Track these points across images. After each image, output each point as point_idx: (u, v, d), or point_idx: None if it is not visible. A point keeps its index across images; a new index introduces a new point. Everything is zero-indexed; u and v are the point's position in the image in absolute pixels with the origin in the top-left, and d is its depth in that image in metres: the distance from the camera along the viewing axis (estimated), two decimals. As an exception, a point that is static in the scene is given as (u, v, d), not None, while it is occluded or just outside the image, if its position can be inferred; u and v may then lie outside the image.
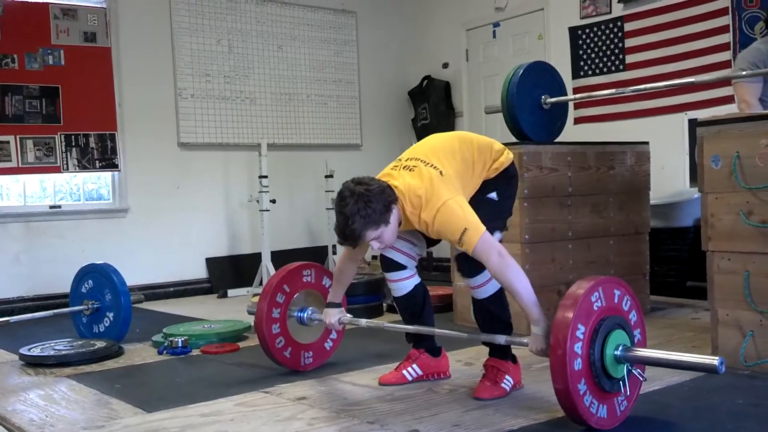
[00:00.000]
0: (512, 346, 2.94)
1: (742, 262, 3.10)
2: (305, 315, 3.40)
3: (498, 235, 2.91)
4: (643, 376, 2.49)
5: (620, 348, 2.44)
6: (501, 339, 2.84)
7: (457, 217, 2.67)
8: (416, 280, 3.08)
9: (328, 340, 3.56)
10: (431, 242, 3.05)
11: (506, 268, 2.65)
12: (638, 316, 2.61)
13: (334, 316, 3.21)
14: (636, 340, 2.55)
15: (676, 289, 5.10)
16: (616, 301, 2.52)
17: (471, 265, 2.81)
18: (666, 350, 2.43)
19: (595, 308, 2.43)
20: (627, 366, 2.44)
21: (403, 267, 3.04)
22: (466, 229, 2.65)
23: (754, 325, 3.07)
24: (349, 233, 2.70)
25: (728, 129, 3.16)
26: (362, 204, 2.67)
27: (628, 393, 2.49)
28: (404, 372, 3.13)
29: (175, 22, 6.47)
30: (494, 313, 2.95)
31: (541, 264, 4.15)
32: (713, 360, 2.31)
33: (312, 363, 3.48)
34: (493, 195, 2.96)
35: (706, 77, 5.00)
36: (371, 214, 2.68)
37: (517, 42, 6.78)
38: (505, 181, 3.01)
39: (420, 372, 3.13)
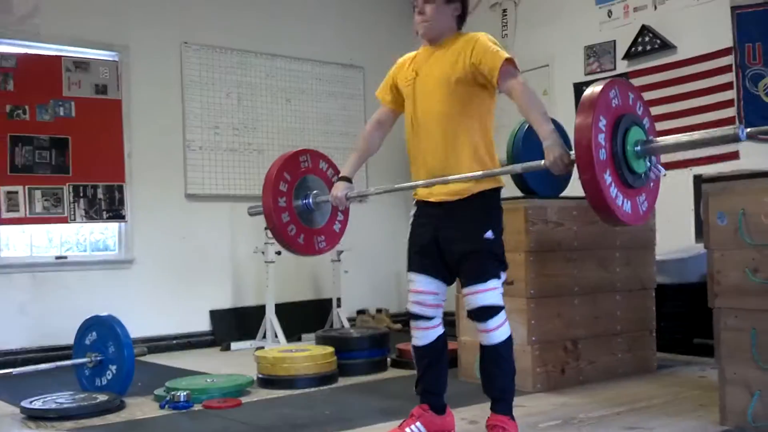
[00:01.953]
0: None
1: (749, 319, 3.07)
2: (310, 199, 3.39)
3: (503, 275, 2.97)
4: (663, 171, 2.62)
5: (639, 143, 2.51)
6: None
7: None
8: (441, 330, 3.10)
9: (336, 222, 3.50)
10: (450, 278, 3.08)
11: (530, 90, 2.90)
12: (651, 123, 2.67)
13: (342, 190, 3.20)
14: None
15: (683, 346, 5.04)
16: (630, 102, 2.59)
17: (488, 313, 2.89)
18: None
19: (613, 105, 2.49)
20: (648, 161, 2.54)
21: (431, 317, 3.06)
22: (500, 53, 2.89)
23: (762, 385, 3.03)
24: None
25: (733, 186, 3.17)
26: None
27: (651, 188, 2.60)
28: (407, 430, 3.08)
29: (186, 76, 6.57)
30: (504, 361, 2.96)
31: (547, 319, 4.12)
32: (732, 129, 2.38)
33: (326, 247, 3.45)
34: (489, 234, 2.95)
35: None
36: None
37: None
38: (496, 212, 3.01)
39: (424, 431, 3.08)
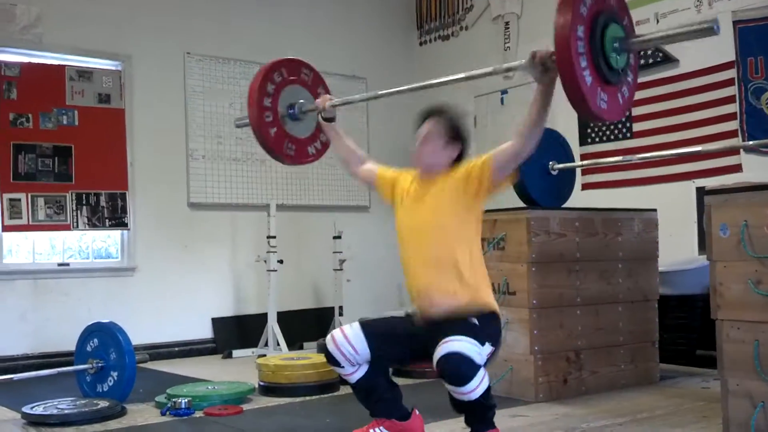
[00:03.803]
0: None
1: (751, 331, 3.07)
2: (296, 109, 3.47)
3: (489, 347, 2.84)
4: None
5: (618, 39, 2.53)
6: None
7: None
8: (362, 371, 3.04)
9: (318, 140, 3.60)
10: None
11: (523, 129, 2.86)
12: (629, 22, 2.70)
13: (327, 100, 3.38)
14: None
15: (686, 357, 5.04)
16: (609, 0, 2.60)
17: (461, 370, 2.67)
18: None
19: (591, 1, 2.49)
20: (626, 57, 2.58)
21: (341, 366, 3.02)
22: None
23: (765, 396, 3.03)
24: (435, 110, 3.18)
25: (736, 198, 3.18)
26: (460, 120, 3.18)
27: (629, 84, 2.64)
28: (371, 431, 3.10)
29: (189, 85, 6.59)
30: (487, 407, 2.84)
31: (549, 330, 4.12)
32: (710, 24, 2.37)
33: (316, 154, 3.61)
34: (474, 321, 2.86)
35: (713, 146, 5.06)
36: (455, 126, 3.12)
37: (524, 109, 6.79)
38: (489, 325, 2.93)
39: None
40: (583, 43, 2.43)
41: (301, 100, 3.49)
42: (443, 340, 2.71)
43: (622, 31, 2.58)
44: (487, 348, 2.83)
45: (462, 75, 3.10)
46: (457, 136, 3.09)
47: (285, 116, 3.47)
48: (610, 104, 2.55)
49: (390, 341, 3.05)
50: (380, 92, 3.43)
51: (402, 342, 3.06)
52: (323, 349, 3.09)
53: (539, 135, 2.86)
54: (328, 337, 3.06)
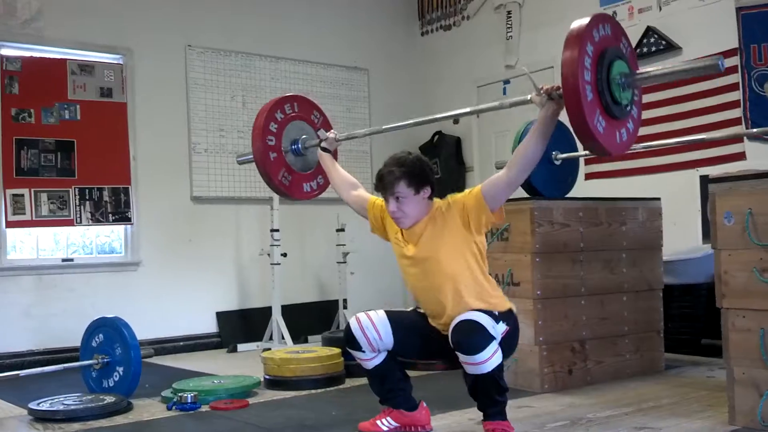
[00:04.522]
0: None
1: (757, 319, 3.07)
2: (299, 144, 3.61)
3: (503, 325, 2.92)
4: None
5: (623, 75, 2.59)
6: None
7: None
8: (380, 358, 3.09)
9: (319, 177, 3.75)
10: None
11: (519, 159, 2.84)
12: (633, 57, 2.73)
13: (330, 133, 3.52)
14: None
15: (691, 346, 5.04)
16: (614, 37, 2.65)
17: (474, 338, 2.77)
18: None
19: (598, 38, 2.54)
20: (631, 92, 2.63)
21: (362, 350, 3.07)
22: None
23: (771, 385, 3.02)
24: (387, 174, 3.02)
25: (740, 186, 3.16)
26: (415, 161, 3.05)
27: (634, 119, 2.70)
28: (378, 422, 3.16)
29: (191, 79, 6.58)
30: (499, 385, 2.89)
31: (554, 320, 4.12)
32: (714, 61, 2.45)
33: (316, 191, 3.78)
34: (495, 313, 2.94)
35: (717, 134, 5.03)
36: (415, 172, 3.01)
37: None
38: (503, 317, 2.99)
39: (394, 424, 3.15)
40: (589, 76, 2.47)
41: (305, 136, 3.63)
42: (459, 318, 2.84)
43: (627, 68, 2.63)
44: (502, 326, 2.89)
45: (468, 109, 3.28)
46: (423, 179, 3.05)
47: (288, 151, 3.62)
48: (617, 137, 2.60)
49: (412, 335, 3.10)
50: (384, 127, 3.57)
51: (423, 338, 3.10)
52: (346, 331, 3.11)
53: (533, 165, 2.88)
54: (352, 319, 3.10)
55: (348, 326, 3.10)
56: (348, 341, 3.09)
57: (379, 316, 3.07)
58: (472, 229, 2.98)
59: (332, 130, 3.61)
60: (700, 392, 3.89)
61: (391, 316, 3.10)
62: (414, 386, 3.23)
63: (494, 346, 2.79)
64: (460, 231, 2.99)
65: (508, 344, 2.99)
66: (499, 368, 2.84)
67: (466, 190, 3.05)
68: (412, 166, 3.04)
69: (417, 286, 3.12)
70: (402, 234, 3.13)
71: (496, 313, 2.93)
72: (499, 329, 2.86)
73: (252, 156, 3.62)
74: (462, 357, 2.80)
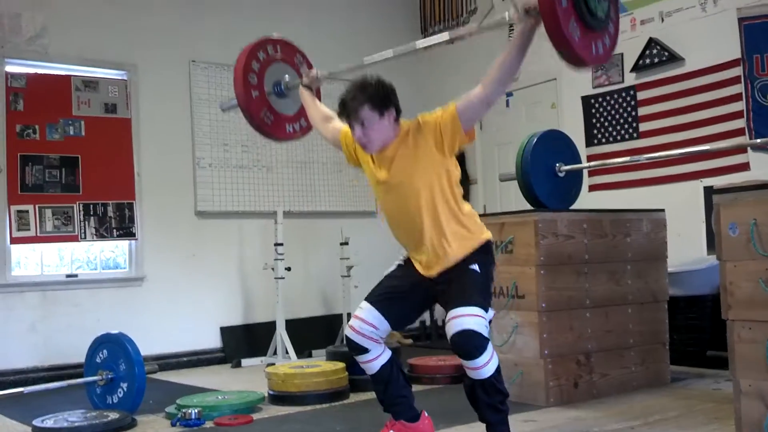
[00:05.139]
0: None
1: (763, 331, 3.05)
2: (282, 85, 3.67)
3: (490, 312, 2.92)
4: (625, 9, 2.73)
5: None
6: None
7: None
8: (385, 358, 3.08)
9: (302, 119, 3.75)
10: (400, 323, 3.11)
11: (495, 74, 2.84)
12: None
13: (312, 71, 3.56)
14: None
15: (696, 358, 5.01)
16: None
17: (472, 341, 2.77)
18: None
19: None
20: (607, 5, 2.68)
21: (366, 350, 3.05)
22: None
23: (778, 397, 3.00)
24: (350, 100, 2.98)
25: (745, 196, 3.15)
26: (378, 84, 3.00)
27: (611, 33, 2.75)
28: None
29: (195, 94, 6.60)
30: (499, 391, 2.89)
31: (559, 333, 4.10)
32: None
33: (299, 132, 3.79)
34: (475, 267, 2.94)
35: (720, 145, 5.02)
36: (378, 95, 2.97)
37: (530, 111, 6.85)
38: (486, 257, 3.00)
39: None
40: None
41: (287, 77, 3.71)
42: (453, 314, 2.79)
43: None
44: (491, 313, 2.91)
45: (445, 35, 3.31)
46: (387, 102, 3.01)
47: (271, 93, 3.69)
48: (592, 49, 2.65)
49: (400, 302, 3.09)
50: (365, 59, 3.49)
51: (410, 297, 3.10)
52: (347, 342, 3.10)
53: (510, 81, 2.90)
54: (347, 329, 3.09)
55: (346, 337, 3.09)
56: (352, 349, 3.08)
57: (365, 311, 3.06)
58: (445, 150, 2.94)
59: (314, 69, 3.64)
60: (706, 404, 3.86)
61: (375, 301, 3.08)
62: (418, 399, 3.22)
63: (490, 347, 2.83)
64: (432, 153, 2.95)
65: (489, 285, 3.01)
66: (498, 372, 2.86)
67: (438, 110, 2.99)
68: (375, 89, 2.99)
69: (394, 214, 3.08)
70: (373, 159, 3.09)
71: (482, 275, 2.92)
72: (488, 317, 2.87)
73: (235, 101, 3.65)
74: (463, 362, 2.84)
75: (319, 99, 3.65)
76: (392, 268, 3.23)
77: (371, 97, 2.97)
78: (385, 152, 3.03)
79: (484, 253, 3.01)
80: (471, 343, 2.78)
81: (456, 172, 3.03)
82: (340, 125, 3.29)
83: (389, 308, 3.06)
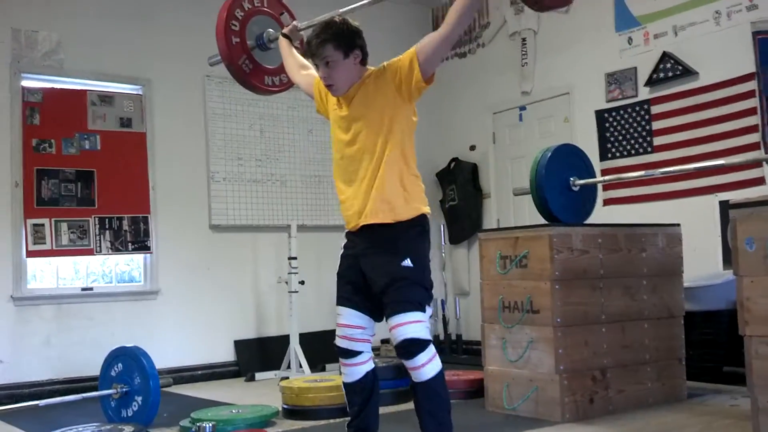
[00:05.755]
0: None
1: (781, 347, 3.03)
2: (264, 39, 3.73)
3: (429, 309, 2.95)
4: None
5: None
6: None
7: None
8: (370, 366, 3.10)
9: (282, 75, 3.81)
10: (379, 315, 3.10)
11: (454, 12, 2.82)
12: None
13: (293, 23, 3.61)
14: None
15: (713, 374, 4.97)
16: None
17: (414, 346, 2.84)
18: None
19: None
20: None
21: (359, 352, 3.06)
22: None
23: (797, 413, 2.98)
24: (314, 38, 2.97)
25: (761, 211, 3.14)
26: (342, 24, 3.00)
27: None
28: None
29: (209, 108, 6.64)
30: (438, 396, 2.90)
31: (574, 348, 4.08)
32: None
33: (272, 86, 3.85)
34: (407, 262, 2.93)
35: (736, 159, 5.00)
36: (343, 34, 2.97)
37: (543, 125, 6.84)
38: (418, 241, 3.02)
39: None
40: None
41: (270, 30, 3.76)
42: (395, 321, 2.88)
43: None
44: (428, 311, 2.96)
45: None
46: (352, 44, 3.01)
47: (255, 47, 3.76)
48: None
49: (363, 291, 3.05)
50: (342, 9, 3.39)
51: (363, 281, 3.05)
52: (338, 351, 3.10)
53: (470, 18, 2.92)
54: (336, 339, 3.09)
55: (337, 346, 3.08)
56: (345, 355, 3.07)
57: (344, 315, 3.06)
58: (403, 91, 2.95)
59: (295, 21, 3.69)
60: (724, 421, 3.83)
61: (346, 300, 3.08)
62: (394, 421, 3.21)
63: (431, 348, 2.88)
64: (393, 95, 2.96)
65: (425, 278, 3.00)
66: (440, 377, 2.89)
67: (405, 55, 2.98)
68: (339, 28, 3.00)
69: (341, 148, 3.07)
70: (338, 101, 3.10)
71: (415, 269, 2.92)
72: (426, 317, 2.91)
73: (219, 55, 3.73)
74: (405, 362, 2.90)
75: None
76: (339, 261, 3.18)
77: (335, 36, 2.98)
78: (348, 93, 3.06)
79: (416, 229, 3.00)
80: (413, 347, 2.86)
81: (413, 120, 3.05)
82: (314, 73, 3.30)
83: (360, 301, 3.06)
